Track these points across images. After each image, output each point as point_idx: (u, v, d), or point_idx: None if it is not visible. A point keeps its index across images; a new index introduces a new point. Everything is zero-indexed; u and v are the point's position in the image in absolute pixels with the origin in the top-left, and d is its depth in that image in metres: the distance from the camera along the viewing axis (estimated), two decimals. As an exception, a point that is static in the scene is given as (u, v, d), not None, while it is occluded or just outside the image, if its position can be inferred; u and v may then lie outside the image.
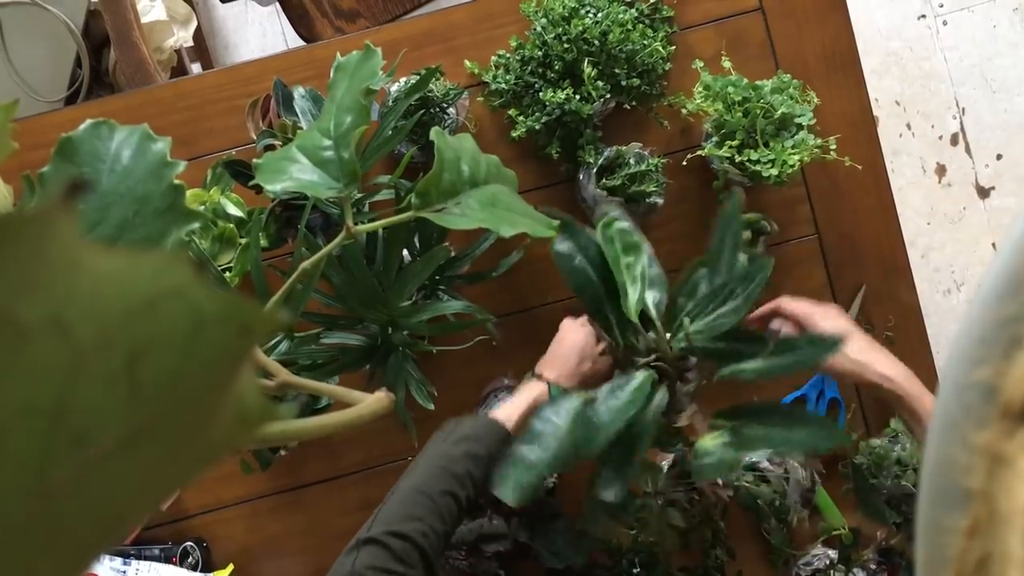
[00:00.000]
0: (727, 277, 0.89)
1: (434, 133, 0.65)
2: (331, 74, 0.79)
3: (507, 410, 0.98)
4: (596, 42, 1.16)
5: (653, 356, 0.91)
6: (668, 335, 0.92)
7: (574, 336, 1.07)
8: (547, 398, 1.01)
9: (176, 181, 0.41)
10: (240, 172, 1.07)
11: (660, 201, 1.18)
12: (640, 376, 0.86)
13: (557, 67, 1.18)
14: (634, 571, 1.20)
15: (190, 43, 1.81)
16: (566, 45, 1.17)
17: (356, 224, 0.67)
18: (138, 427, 0.18)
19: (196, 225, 0.40)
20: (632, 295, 0.90)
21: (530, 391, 1.03)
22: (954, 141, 2.26)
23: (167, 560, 1.25)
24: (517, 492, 0.81)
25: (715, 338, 0.87)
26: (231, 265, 1.17)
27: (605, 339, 1.02)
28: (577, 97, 1.17)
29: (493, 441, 0.93)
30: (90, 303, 0.17)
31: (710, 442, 0.83)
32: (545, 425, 0.83)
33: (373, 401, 0.37)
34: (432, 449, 0.93)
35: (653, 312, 0.91)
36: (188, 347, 0.19)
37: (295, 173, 0.68)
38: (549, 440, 0.83)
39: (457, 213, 0.62)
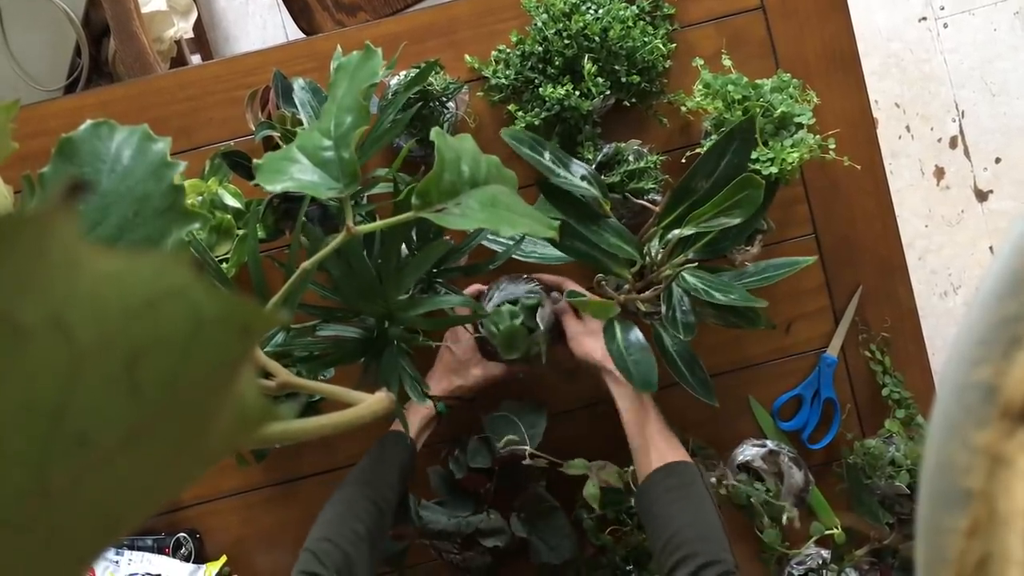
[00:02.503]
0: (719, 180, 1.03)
1: (435, 134, 0.65)
2: (331, 72, 0.79)
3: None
4: (596, 38, 1.16)
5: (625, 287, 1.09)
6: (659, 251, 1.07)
7: (445, 354, 1.21)
8: (434, 413, 1.18)
9: (176, 181, 0.41)
10: (238, 163, 1.07)
11: (658, 199, 1.18)
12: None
13: (557, 63, 1.18)
14: (627, 568, 1.20)
15: (190, 34, 1.81)
16: (566, 41, 1.17)
17: (356, 222, 0.67)
18: (138, 428, 0.18)
19: (196, 225, 0.40)
20: None
21: (417, 412, 1.17)
22: (953, 144, 2.26)
23: (160, 551, 1.25)
24: (647, 385, 1.03)
25: (709, 244, 1.04)
26: (228, 256, 1.17)
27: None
28: (577, 93, 1.17)
29: (399, 453, 1.12)
30: (90, 304, 0.17)
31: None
32: (635, 351, 1.05)
33: (374, 401, 0.37)
34: (350, 474, 1.12)
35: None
36: (188, 348, 0.19)
37: (295, 173, 0.68)
38: (643, 352, 1.05)
39: (457, 213, 0.62)
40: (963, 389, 0.27)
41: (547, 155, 1.09)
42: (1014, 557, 0.24)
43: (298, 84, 1.06)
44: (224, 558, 1.27)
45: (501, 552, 1.16)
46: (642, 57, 1.19)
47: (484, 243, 1.13)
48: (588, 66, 1.15)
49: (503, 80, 1.22)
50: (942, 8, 2.27)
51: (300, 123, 1.05)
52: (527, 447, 1.14)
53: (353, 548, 0.99)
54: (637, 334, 1.07)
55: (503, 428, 1.18)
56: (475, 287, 1.21)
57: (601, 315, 1.07)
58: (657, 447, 1.04)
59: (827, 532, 1.26)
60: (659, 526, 0.97)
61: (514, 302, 1.14)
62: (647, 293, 1.06)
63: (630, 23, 1.17)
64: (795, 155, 1.08)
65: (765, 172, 1.08)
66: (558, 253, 1.11)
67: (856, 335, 1.30)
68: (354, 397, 0.38)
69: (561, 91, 1.16)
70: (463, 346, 1.18)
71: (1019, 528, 0.24)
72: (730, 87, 1.13)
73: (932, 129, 2.26)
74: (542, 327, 1.12)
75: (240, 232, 1.18)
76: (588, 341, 1.12)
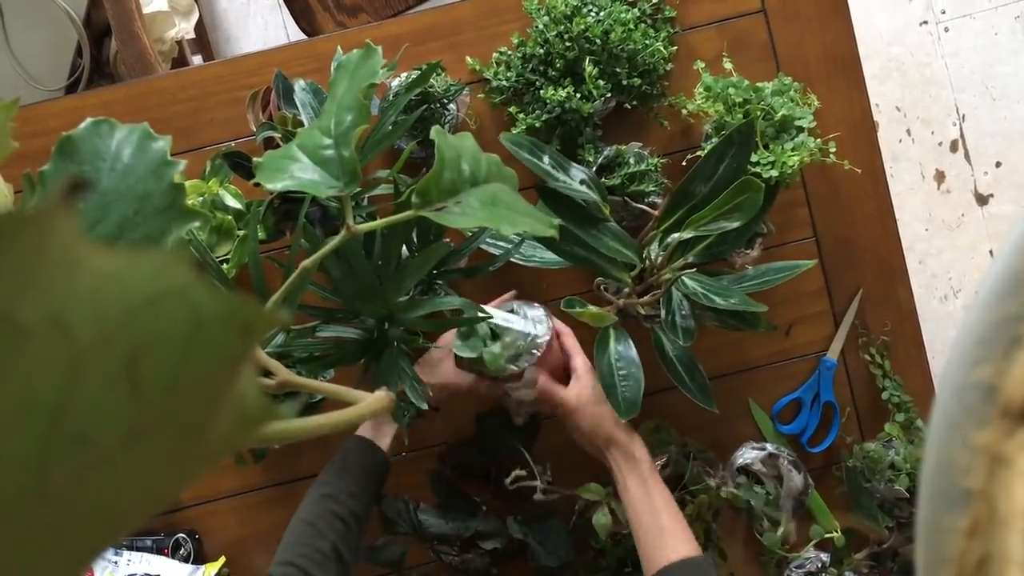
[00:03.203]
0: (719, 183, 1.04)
1: (435, 132, 0.65)
2: (332, 72, 0.79)
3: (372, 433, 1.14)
4: (598, 41, 1.16)
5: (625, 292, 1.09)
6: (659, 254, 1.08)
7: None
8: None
9: (177, 180, 0.41)
10: (239, 164, 1.07)
11: (659, 201, 1.18)
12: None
13: (558, 65, 1.18)
14: (626, 571, 1.20)
15: (192, 35, 1.81)
16: (568, 43, 1.17)
17: (356, 222, 0.67)
18: (138, 427, 0.18)
19: (196, 224, 0.40)
20: None
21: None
22: (954, 148, 2.26)
23: (159, 551, 1.25)
24: (631, 408, 1.03)
25: (708, 248, 1.04)
26: (228, 257, 1.17)
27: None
28: (578, 96, 1.17)
29: (362, 458, 1.11)
30: (90, 303, 0.17)
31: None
32: (624, 363, 1.06)
33: (373, 400, 0.37)
34: (312, 487, 1.09)
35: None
36: (188, 347, 0.19)
37: (296, 172, 0.68)
38: (632, 368, 1.05)
39: (457, 212, 0.62)
40: (963, 389, 0.27)
41: (546, 159, 1.09)
42: (1014, 557, 0.24)
43: (299, 85, 1.06)
44: (223, 559, 1.27)
45: (500, 554, 1.16)
46: (643, 60, 1.19)
47: (483, 246, 1.12)
48: (589, 68, 1.15)
49: (504, 82, 1.22)
50: (943, 12, 2.27)
51: (301, 124, 1.05)
52: (537, 482, 1.12)
53: (318, 569, 0.98)
54: (631, 349, 1.06)
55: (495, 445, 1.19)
56: (509, 295, 1.20)
57: (598, 323, 1.06)
58: (674, 535, 1.02)
59: (827, 535, 1.26)
60: None
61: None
62: (647, 297, 1.06)
63: (631, 26, 1.17)
64: (795, 158, 1.08)
65: (765, 175, 1.08)
66: (558, 257, 1.10)
67: (856, 338, 1.30)
68: (354, 396, 0.38)
69: (562, 93, 1.16)
70: (442, 349, 1.16)
71: (1019, 528, 0.24)
72: (731, 90, 1.13)
73: (933, 133, 2.26)
74: (514, 328, 1.09)
75: (240, 233, 1.18)
76: (596, 409, 1.07)
